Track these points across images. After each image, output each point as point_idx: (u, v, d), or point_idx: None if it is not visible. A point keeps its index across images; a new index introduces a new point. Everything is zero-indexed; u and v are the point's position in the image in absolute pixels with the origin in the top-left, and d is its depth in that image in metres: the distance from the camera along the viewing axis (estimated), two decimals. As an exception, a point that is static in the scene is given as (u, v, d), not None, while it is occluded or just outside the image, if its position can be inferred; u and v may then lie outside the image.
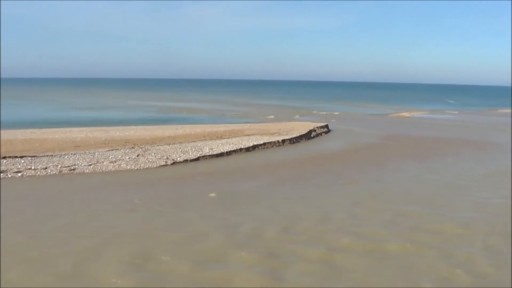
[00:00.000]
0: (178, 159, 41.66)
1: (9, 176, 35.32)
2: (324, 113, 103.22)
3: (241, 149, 47.05)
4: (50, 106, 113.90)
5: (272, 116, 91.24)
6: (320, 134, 62.06)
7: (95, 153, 40.61)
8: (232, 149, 46.47)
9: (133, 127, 61.76)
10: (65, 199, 29.91)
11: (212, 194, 30.81)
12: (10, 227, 23.96)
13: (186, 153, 43.23)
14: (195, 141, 48.19)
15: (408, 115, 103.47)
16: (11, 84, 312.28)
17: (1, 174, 35.11)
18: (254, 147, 48.66)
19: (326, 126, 67.09)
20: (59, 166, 37.51)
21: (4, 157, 37.67)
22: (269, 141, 51.25)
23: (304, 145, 53.55)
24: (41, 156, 38.76)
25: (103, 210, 27.33)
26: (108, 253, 20.50)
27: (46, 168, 36.96)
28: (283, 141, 52.56)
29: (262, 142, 50.18)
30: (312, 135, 59.38)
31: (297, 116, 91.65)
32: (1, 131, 53.15)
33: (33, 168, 36.75)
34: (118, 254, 20.30)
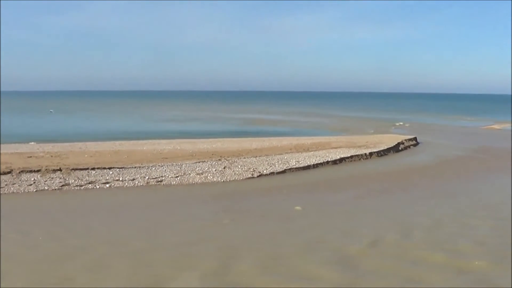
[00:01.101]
0: (265, 171, 41.51)
1: (97, 187, 36.02)
2: (408, 125, 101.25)
3: (327, 162, 46.58)
4: (135, 118, 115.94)
5: (358, 128, 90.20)
6: (408, 147, 60.90)
7: (182, 165, 40.83)
8: (319, 162, 46.04)
9: (220, 139, 61.98)
10: (151, 210, 30.16)
11: (298, 207, 30.47)
12: (100, 235, 24.26)
13: (273, 166, 43.02)
14: (281, 154, 47.90)
15: (498, 127, 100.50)
16: (88, 96, 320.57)
17: (90, 185, 35.81)
18: (341, 160, 48.12)
19: (415, 139, 65.77)
20: (147, 177, 37.91)
21: (93, 168, 38.35)
22: (356, 154, 50.60)
23: (392, 158, 52.65)
24: (129, 168, 39.24)
25: (187, 222, 27.37)
26: (188, 265, 20.41)
27: (133, 179, 37.44)
28: (371, 154, 51.79)
29: (349, 155, 49.58)
30: (400, 148, 58.33)
31: (384, 129, 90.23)
32: (92, 142, 54.37)
33: (121, 179, 37.28)
34: (198, 267, 20.16)
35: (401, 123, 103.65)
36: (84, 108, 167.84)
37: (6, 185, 35.46)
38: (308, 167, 44.43)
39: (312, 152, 49.95)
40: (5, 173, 36.76)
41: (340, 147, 54.49)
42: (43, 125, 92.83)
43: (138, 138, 62.20)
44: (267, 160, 44.72)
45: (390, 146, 56.49)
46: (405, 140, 62.70)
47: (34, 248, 22.89)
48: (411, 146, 61.85)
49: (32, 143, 56.32)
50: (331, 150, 51.66)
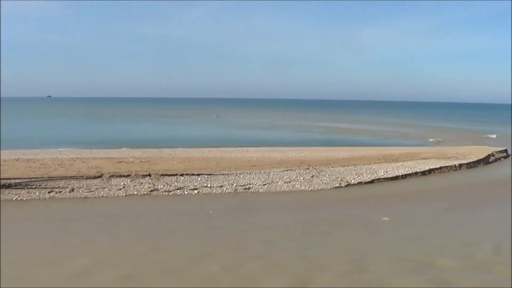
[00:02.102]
0: (352, 181, 41.19)
1: (186, 193, 36.52)
2: (495, 136, 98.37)
3: (416, 173, 45.86)
4: (220, 125, 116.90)
5: (440, 139, 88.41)
6: (499, 159, 59.26)
7: (270, 173, 40.90)
8: (408, 172, 45.39)
9: (308, 148, 61.81)
10: (237, 217, 30.32)
11: (385, 218, 30.02)
12: (185, 239, 24.50)
13: (361, 176, 42.63)
14: (369, 164, 47.42)
15: None
16: (167, 102, 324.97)
17: (178, 191, 36.35)
18: (430, 171, 47.28)
19: (505, 151, 63.89)
20: (235, 184, 38.17)
21: (182, 174, 38.87)
22: (446, 165, 49.57)
23: (481, 170, 51.37)
24: (217, 174, 39.59)
25: (273, 230, 27.35)
26: (272, 274, 20.34)
27: (221, 186, 37.78)
28: (460, 165, 50.68)
29: (438, 166, 48.61)
30: (490, 160, 56.81)
31: (472, 140, 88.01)
32: (181, 148, 55.19)
33: (209, 185, 37.67)
34: (281, 278, 20.04)
35: (492, 135, 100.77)
36: (169, 114, 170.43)
37: (96, 189, 36.40)
38: (396, 178, 43.86)
39: (400, 163, 49.24)
40: (95, 177, 37.73)
41: (429, 158, 53.55)
42: (133, 130, 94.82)
43: (225, 145, 62.71)
44: (355, 170, 44.34)
45: (480, 158, 55.12)
46: (496, 152, 61.06)
47: (122, 251, 23.29)
48: (502, 158, 60.20)
49: (124, 148, 57.56)
50: (420, 161, 50.79)
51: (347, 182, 40.93)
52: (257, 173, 40.83)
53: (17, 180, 36.45)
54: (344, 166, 45.59)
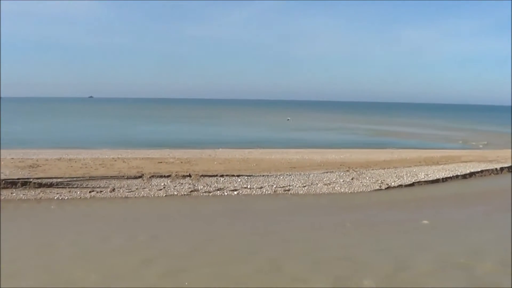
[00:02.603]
0: (393, 184, 41.00)
1: (225, 193, 36.69)
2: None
3: (457, 176, 45.41)
4: (260, 126, 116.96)
5: (485, 142, 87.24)
6: (544, 163, 58.29)
7: (310, 175, 40.91)
8: (448, 175, 44.99)
9: (348, 150, 61.66)
10: (277, 218, 30.38)
11: (425, 221, 29.79)
12: (225, 239, 24.66)
13: (401, 178, 42.40)
14: (410, 166, 47.12)
15: None
16: (205, 104, 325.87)
17: (218, 192, 36.55)
18: (471, 174, 46.79)
19: (551, 155, 62.83)
20: (274, 186, 38.25)
21: (222, 175, 39.09)
22: (486, 168, 49.01)
23: (525, 174, 50.56)
24: (257, 176, 39.73)
25: (313, 231, 27.39)
26: (313, 275, 20.36)
27: (261, 187, 37.88)
28: (501, 169, 50.03)
29: (479, 170, 48.11)
30: (533, 164, 55.94)
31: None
32: (221, 149, 55.50)
33: (248, 187, 37.80)
34: (323, 279, 20.07)
35: None
36: (210, 115, 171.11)
37: (136, 189, 36.76)
38: (437, 181, 43.51)
39: (441, 166, 48.84)
40: (136, 177, 38.12)
41: (470, 161, 53.02)
42: (175, 131, 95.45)
43: (266, 147, 62.82)
44: (395, 172, 44.12)
45: (523, 161, 54.40)
46: (540, 155, 60.13)
47: (165, 251, 23.53)
48: (547, 163, 59.25)
49: (166, 149, 57.94)
50: (461, 164, 50.32)
51: (387, 184, 40.74)
52: (297, 174, 40.87)
53: (59, 180, 37.01)
54: (385, 168, 45.39)
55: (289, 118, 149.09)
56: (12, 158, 44.25)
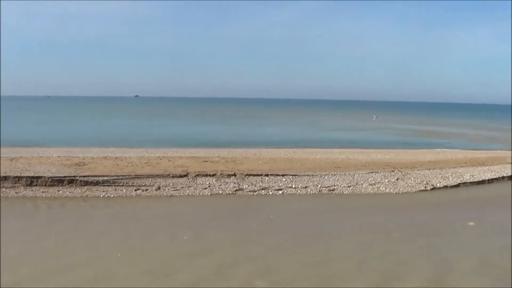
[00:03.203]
0: (438, 184, 40.61)
1: (270, 193, 36.75)
2: None
3: (503, 177, 44.74)
4: (304, 126, 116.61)
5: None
6: None
7: (354, 175, 40.73)
8: (494, 176, 44.40)
9: (393, 150, 61.16)
10: (321, 219, 30.35)
11: (471, 223, 29.48)
12: (269, 239, 24.67)
13: (446, 179, 41.97)
14: (455, 167, 46.59)
15: None
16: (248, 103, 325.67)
17: (263, 191, 36.59)
18: (518, 175, 45.94)
19: None
20: (319, 186, 38.18)
21: (267, 175, 39.13)
22: (533, 169, 48.08)
23: None
24: (302, 175, 39.70)
25: (358, 232, 27.35)
26: (357, 274, 20.32)
27: (306, 187, 37.84)
28: (549, 170, 49.04)
29: (526, 171, 47.21)
30: None
31: None
32: (266, 149, 55.62)
33: (293, 186, 37.80)
34: (366, 278, 20.01)
35: None
36: (254, 115, 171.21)
37: (182, 187, 37.04)
38: (482, 182, 42.95)
39: (487, 167, 48.17)
40: (181, 176, 38.41)
41: (517, 162, 52.17)
42: (220, 130, 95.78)
43: (310, 146, 62.63)
44: (440, 173, 43.66)
45: None
46: None
47: (206, 251, 23.68)
48: None
49: (211, 148, 58.06)
50: (507, 165, 49.53)
51: (433, 185, 40.37)
52: (342, 174, 40.73)
53: (105, 178, 37.49)
54: (430, 169, 44.95)
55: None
56: (59, 156, 44.97)
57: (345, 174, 40.93)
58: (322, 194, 37.12)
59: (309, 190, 37.47)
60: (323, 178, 39.72)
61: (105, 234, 26.23)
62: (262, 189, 37.20)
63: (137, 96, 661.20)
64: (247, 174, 39.02)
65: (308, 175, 40.00)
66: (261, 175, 39.10)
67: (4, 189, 35.72)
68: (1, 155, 44.64)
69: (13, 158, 43.23)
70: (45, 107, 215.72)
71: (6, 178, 36.67)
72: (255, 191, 36.89)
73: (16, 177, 36.85)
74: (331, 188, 38.02)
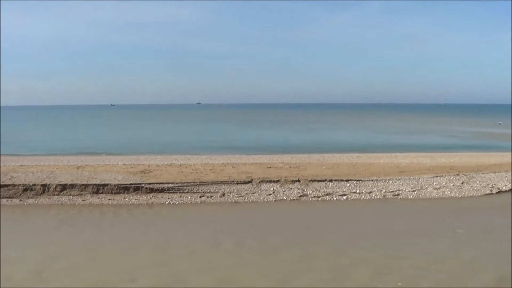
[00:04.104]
0: (504, 188, 40.07)
1: (334, 198, 36.80)
2: None
3: None
4: (364, 130, 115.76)
5: None
6: None
7: (419, 179, 40.43)
8: (561, 179, 43.31)
9: (457, 153, 60.46)
10: (385, 223, 30.37)
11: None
12: (332, 244, 24.79)
13: (513, 182, 41.22)
14: (522, 170, 45.71)
15: None
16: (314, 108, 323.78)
17: (327, 196, 36.70)
18: None
19: None
20: (383, 190, 38.08)
21: (331, 180, 39.20)
22: None
23: None
24: (366, 180, 39.60)
25: (423, 236, 27.22)
26: (420, 274, 20.35)
27: (370, 192, 37.79)
28: None
29: None
30: None
31: None
32: (329, 154, 55.60)
33: (357, 191, 37.78)
34: (429, 278, 20.02)
35: None
36: (316, 119, 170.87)
37: (246, 193, 37.43)
38: (551, 185, 42.01)
39: (556, 169, 47.12)
40: (245, 182, 38.79)
41: None
42: (282, 136, 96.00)
43: (373, 151, 62.32)
44: (506, 176, 42.93)
45: None
46: None
47: (272, 254, 23.96)
48: None
49: (275, 154, 58.24)
50: None
51: (498, 188, 39.82)
52: (406, 179, 40.49)
53: (170, 185, 38.16)
54: (495, 172, 44.26)
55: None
56: (124, 164, 45.94)
57: (409, 178, 40.67)
58: (386, 199, 37.01)
59: (373, 195, 37.41)
60: (388, 183, 39.57)
61: (171, 241, 26.74)
62: (326, 194, 37.30)
63: (199, 103, 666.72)
64: (311, 180, 39.16)
65: (372, 180, 39.89)
66: (325, 180, 39.18)
67: (71, 197, 36.82)
68: (69, 163, 45.95)
69: (80, 166, 44.39)
70: (110, 115, 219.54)
71: (73, 186, 37.75)
72: (319, 197, 37.02)
73: (83, 185, 37.91)
74: (396, 193, 37.87)
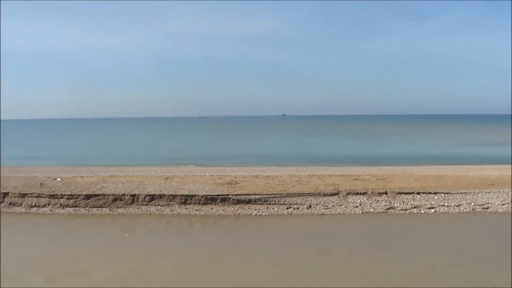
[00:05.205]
0: None
1: (422, 211, 36.53)
2: None
3: None
4: (447, 141, 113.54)
5: None
6: None
7: (509, 192, 39.48)
8: None
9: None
10: (476, 237, 30.08)
11: None
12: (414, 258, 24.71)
13: None
14: None
15: None
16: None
17: (415, 209, 36.50)
18: None
19: None
20: (472, 204, 37.55)
21: (418, 193, 38.85)
22: None
23: None
24: (454, 193, 39.04)
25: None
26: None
27: (459, 205, 37.34)
28: None
29: None
30: None
31: None
32: (414, 166, 55.02)
33: (446, 204, 37.38)
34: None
35: None
36: (401, 131, 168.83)
37: (333, 205, 37.59)
38: None
39: None
40: (332, 194, 38.93)
41: None
42: (367, 147, 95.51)
43: (460, 163, 61.34)
44: None
45: None
46: None
47: (358, 270, 24.06)
48: None
49: (361, 166, 57.93)
50: None
51: None
52: (496, 192, 39.67)
53: (257, 196, 38.62)
54: None
55: None
56: (211, 175, 46.74)
57: (499, 191, 39.85)
58: (475, 212, 36.47)
59: (462, 208, 36.91)
60: (476, 195, 38.90)
61: (257, 251, 27.18)
62: (414, 207, 37.04)
63: (284, 115, 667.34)
64: (398, 192, 38.92)
65: (461, 193, 39.28)
66: (413, 193, 38.86)
67: (159, 207, 37.85)
68: (157, 174, 47.09)
69: (168, 177, 45.44)
70: (198, 127, 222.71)
71: (161, 196, 38.77)
72: (406, 210, 36.80)
73: (171, 195, 38.86)
74: (485, 206, 37.25)
